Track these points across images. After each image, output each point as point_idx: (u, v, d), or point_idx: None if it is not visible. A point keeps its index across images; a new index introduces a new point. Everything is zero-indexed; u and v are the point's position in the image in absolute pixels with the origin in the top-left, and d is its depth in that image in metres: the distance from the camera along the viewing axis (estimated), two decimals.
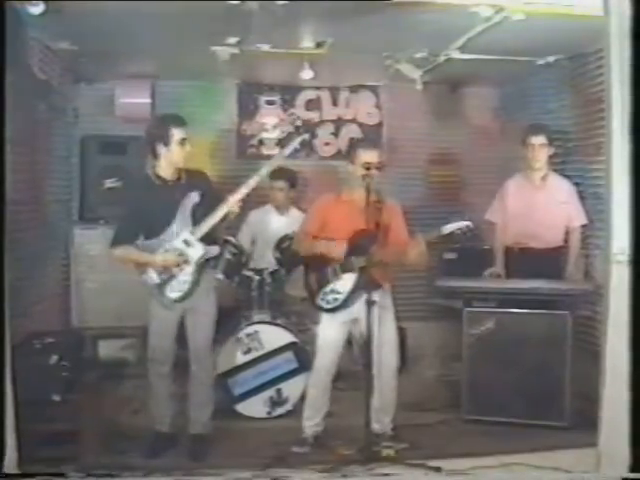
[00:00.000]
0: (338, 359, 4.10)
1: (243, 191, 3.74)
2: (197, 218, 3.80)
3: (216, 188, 3.89)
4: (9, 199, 3.08)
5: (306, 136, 3.81)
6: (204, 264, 3.86)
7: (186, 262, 3.81)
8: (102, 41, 4.52)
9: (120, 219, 4.00)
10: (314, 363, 4.11)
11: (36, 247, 4.89)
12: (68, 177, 5.88)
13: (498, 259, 4.93)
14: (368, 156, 3.94)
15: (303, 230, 4.16)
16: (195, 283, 3.84)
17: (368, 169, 3.87)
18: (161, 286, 3.85)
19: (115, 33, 4.31)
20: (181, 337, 4.04)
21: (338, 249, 3.93)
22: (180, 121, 3.84)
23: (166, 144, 3.78)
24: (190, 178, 3.91)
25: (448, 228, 3.89)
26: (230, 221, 3.91)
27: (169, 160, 3.82)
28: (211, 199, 3.81)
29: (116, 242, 3.89)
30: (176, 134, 3.78)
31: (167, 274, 3.83)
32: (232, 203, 3.74)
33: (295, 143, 3.86)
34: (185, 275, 3.83)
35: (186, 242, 3.79)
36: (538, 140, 4.78)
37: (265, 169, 3.84)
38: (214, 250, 3.87)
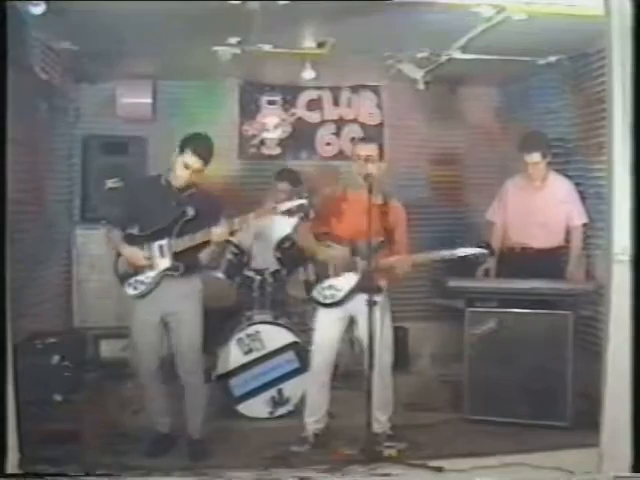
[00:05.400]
0: (335, 355, 4.09)
1: (224, 230, 3.72)
2: (183, 232, 3.78)
3: (216, 211, 3.81)
4: (10, 199, 3.08)
5: (304, 201, 3.76)
6: (169, 275, 3.84)
7: (151, 267, 3.83)
8: (103, 41, 4.52)
9: (120, 205, 4.10)
10: (311, 360, 4.12)
11: (37, 247, 4.90)
12: (69, 177, 5.88)
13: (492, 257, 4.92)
14: (363, 149, 3.98)
15: (307, 224, 4.11)
16: (152, 286, 3.83)
17: (358, 160, 3.92)
18: (123, 278, 3.90)
19: (116, 33, 4.31)
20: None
21: (341, 252, 3.94)
22: (199, 149, 3.79)
23: (178, 157, 3.80)
24: (196, 193, 3.89)
25: (463, 252, 3.91)
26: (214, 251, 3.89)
27: (174, 171, 3.85)
28: (205, 221, 3.76)
29: (109, 223, 3.99)
30: (187, 157, 3.77)
31: (131, 269, 3.86)
32: (213, 235, 3.72)
33: (293, 204, 3.76)
34: (145, 277, 3.84)
35: (161, 249, 3.81)
36: (532, 159, 4.73)
37: (250, 216, 3.75)
38: (180, 268, 3.82)
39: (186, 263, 3.83)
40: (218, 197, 4.07)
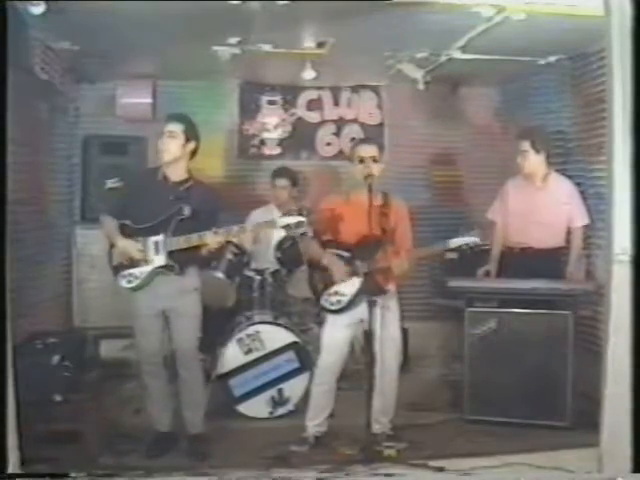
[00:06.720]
0: (343, 359, 4.10)
1: (220, 238, 3.72)
2: (179, 230, 3.77)
3: (213, 210, 3.84)
4: (10, 199, 3.07)
5: (303, 219, 3.75)
6: (163, 271, 3.82)
7: (146, 261, 3.81)
8: (103, 41, 4.53)
9: (118, 197, 4.13)
10: (318, 363, 4.11)
11: (38, 247, 4.91)
12: (69, 177, 5.89)
13: (493, 258, 4.93)
14: (364, 151, 3.97)
15: (311, 232, 4.14)
16: (146, 281, 3.81)
17: (362, 162, 3.91)
18: (117, 269, 3.87)
19: (116, 33, 4.31)
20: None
21: (341, 270, 3.94)
22: (174, 117, 3.92)
23: (160, 139, 3.87)
24: (194, 187, 3.90)
25: (455, 242, 3.92)
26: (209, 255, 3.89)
27: (161, 154, 3.87)
28: (202, 221, 3.76)
29: (107, 213, 3.97)
30: (168, 126, 3.85)
31: (125, 261, 3.84)
32: (209, 240, 3.71)
33: (292, 220, 3.75)
34: (140, 272, 3.81)
35: (156, 245, 3.79)
36: (522, 146, 4.75)
37: (248, 226, 3.86)
38: (176, 268, 3.80)
39: (182, 262, 3.81)
40: (216, 194, 4.06)
